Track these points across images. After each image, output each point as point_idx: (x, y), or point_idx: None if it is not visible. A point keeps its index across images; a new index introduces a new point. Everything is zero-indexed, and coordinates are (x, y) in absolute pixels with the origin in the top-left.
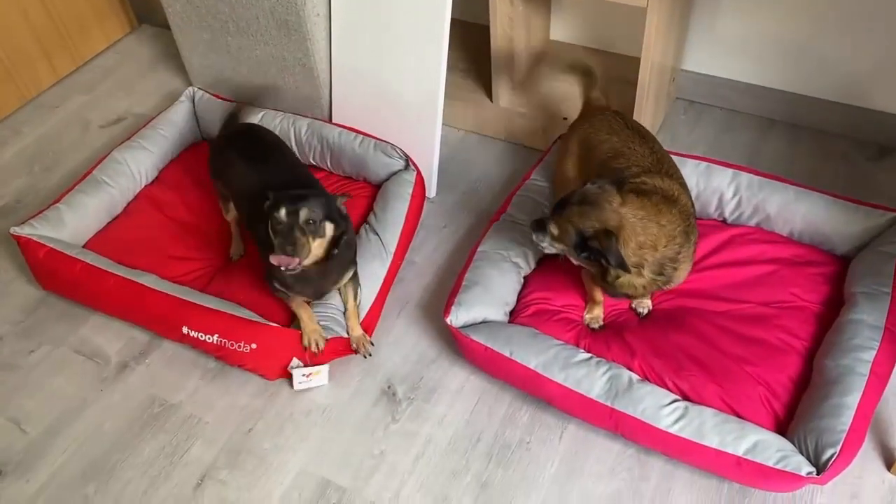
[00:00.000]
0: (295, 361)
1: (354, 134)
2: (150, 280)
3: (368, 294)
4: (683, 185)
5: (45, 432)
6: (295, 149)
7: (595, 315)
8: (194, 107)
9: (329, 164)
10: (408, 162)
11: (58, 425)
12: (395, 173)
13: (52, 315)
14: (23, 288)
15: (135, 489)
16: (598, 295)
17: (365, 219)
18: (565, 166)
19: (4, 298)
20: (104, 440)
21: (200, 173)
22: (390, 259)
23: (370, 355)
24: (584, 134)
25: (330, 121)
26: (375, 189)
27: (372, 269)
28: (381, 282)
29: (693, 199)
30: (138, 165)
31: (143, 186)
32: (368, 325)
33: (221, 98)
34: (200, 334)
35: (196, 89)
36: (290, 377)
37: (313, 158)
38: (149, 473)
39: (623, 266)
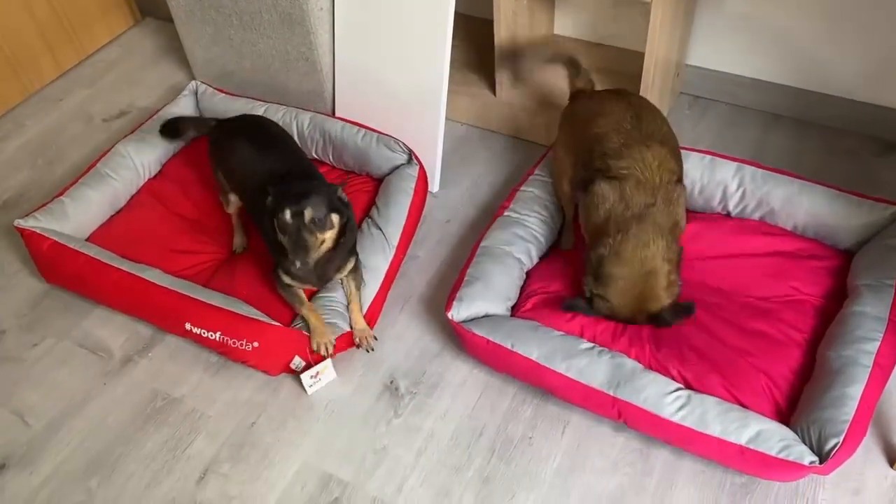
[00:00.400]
0: (297, 360)
1: (357, 128)
2: (153, 275)
3: (371, 288)
4: (664, 141)
5: (49, 425)
6: (297, 143)
7: None
8: (197, 101)
9: (331, 158)
10: (410, 156)
11: (61, 418)
12: (397, 167)
13: (55, 308)
14: (27, 281)
15: (138, 483)
16: None
17: (367, 213)
18: (557, 153)
19: (8, 291)
20: (107, 434)
21: (203, 167)
22: (392, 253)
23: (372, 350)
24: (568, 113)
25: (333, 115)
26: (378, 183)
27: (375, 264)
28: (383, 276)
29: (697, 191)
30: (141, 159)
31: (146, 180)
32: (371, 319)
33: (224, 92)
34: (203, 331)
35: (199, 83)
36: (292, 372)
37: (315, 152)
38: (151, 467)
39: (681, 312)
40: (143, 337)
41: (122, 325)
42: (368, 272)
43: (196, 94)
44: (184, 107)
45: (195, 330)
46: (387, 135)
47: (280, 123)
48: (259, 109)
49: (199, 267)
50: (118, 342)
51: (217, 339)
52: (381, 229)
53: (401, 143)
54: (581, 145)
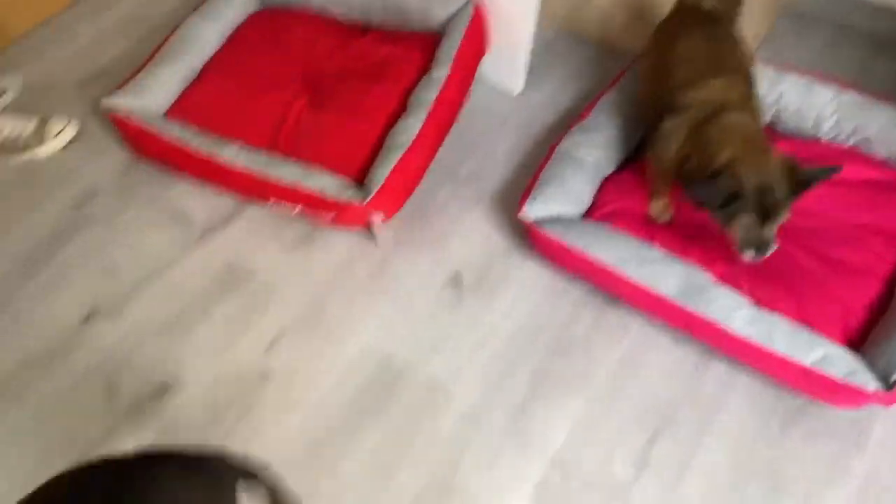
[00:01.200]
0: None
1: None
2: (232, 154)
3: (418, 118)
4: (735, 69)
5: (132, 285)
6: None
7: (661, 205)
8: None
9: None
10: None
11: (143, 279)
12: (455, 15)
13: (144, 177)
14: (119, 149)
15: (207, 346)
16: (663, 186)
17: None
18: (642, 70)
19: (102, 157)
20: (184, 298)
21: (264, 35)
22: (443, 84)
23: None
24: (660, 28)
25: None
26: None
27: (424, 96)
28: (431, 105)
29: (790, 113)
30: (207, 34)
31: (213, 53)
32: (418, 162)
33: None
34: (285, 204)
35: None
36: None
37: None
38: (222, 334)
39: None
40: (223, 211)
41: (204, 197)
42: (415, 107)
43: None
44: None
45: (278, 203)
46: None
47: None
48: None
49: (276, 121)
50: (200, 215)
51: (298, 210)
52: (433, 71)
53: None
54: (658, 71)
